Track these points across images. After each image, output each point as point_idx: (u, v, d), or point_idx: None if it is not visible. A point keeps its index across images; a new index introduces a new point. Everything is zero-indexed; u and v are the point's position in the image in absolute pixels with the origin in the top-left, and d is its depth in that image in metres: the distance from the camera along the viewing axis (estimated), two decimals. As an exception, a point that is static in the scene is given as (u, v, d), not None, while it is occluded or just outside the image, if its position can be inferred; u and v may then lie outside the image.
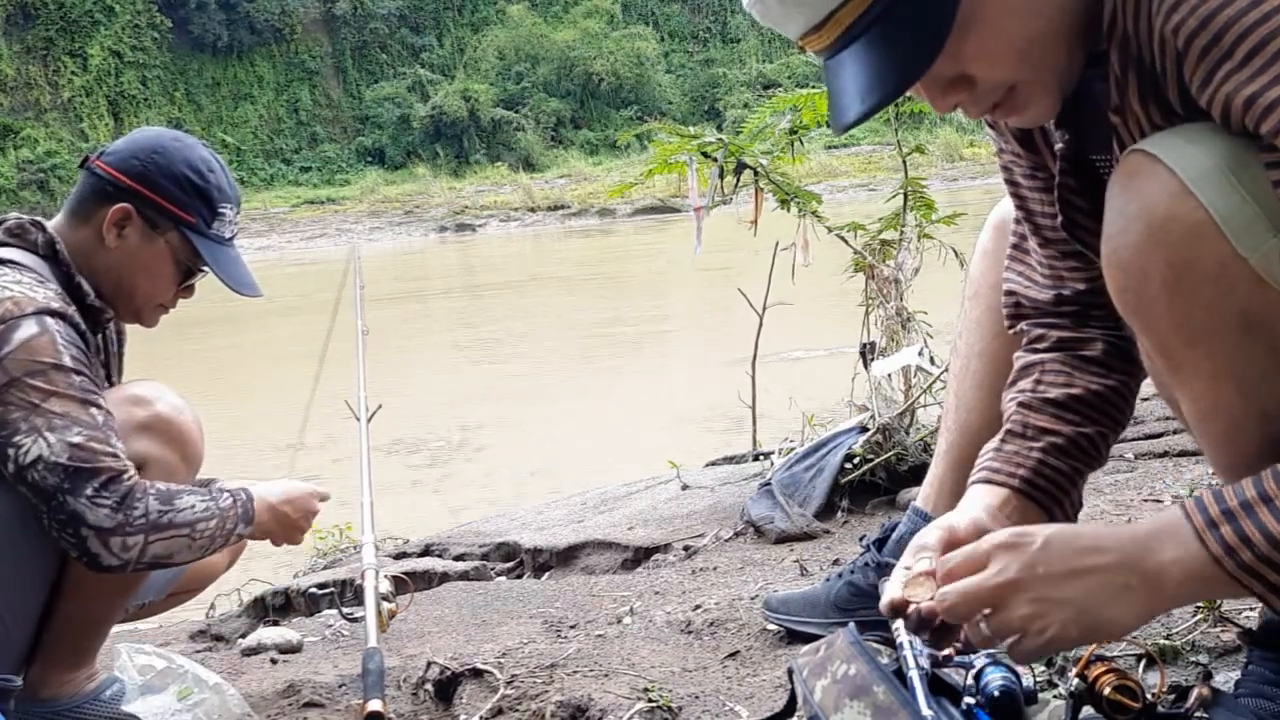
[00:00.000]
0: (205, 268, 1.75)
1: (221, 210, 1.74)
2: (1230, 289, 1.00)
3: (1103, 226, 1.08)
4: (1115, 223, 1.06)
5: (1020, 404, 1.32)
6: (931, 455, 1.73)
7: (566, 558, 2.76)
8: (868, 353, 2.83)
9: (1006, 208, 1.56)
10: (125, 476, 1.51)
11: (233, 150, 29.24)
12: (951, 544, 1.18)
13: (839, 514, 2.58)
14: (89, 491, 1.47)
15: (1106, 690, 1.21)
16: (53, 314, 1.53)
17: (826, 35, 1.05)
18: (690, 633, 1.96)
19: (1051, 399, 1.30)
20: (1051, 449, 1.28)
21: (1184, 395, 1.10)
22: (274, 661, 2.09)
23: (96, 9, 29.37)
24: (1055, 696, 1.34)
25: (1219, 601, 1.58)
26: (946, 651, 1.30)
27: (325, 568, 3.18)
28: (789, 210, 2.92)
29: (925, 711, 1.20)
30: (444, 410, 7.41)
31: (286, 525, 1.76)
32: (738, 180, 2.87)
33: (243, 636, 2.40)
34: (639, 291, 12.96)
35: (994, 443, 1.33)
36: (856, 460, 2.61)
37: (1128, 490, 2.36)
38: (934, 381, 2.63)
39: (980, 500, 1.28)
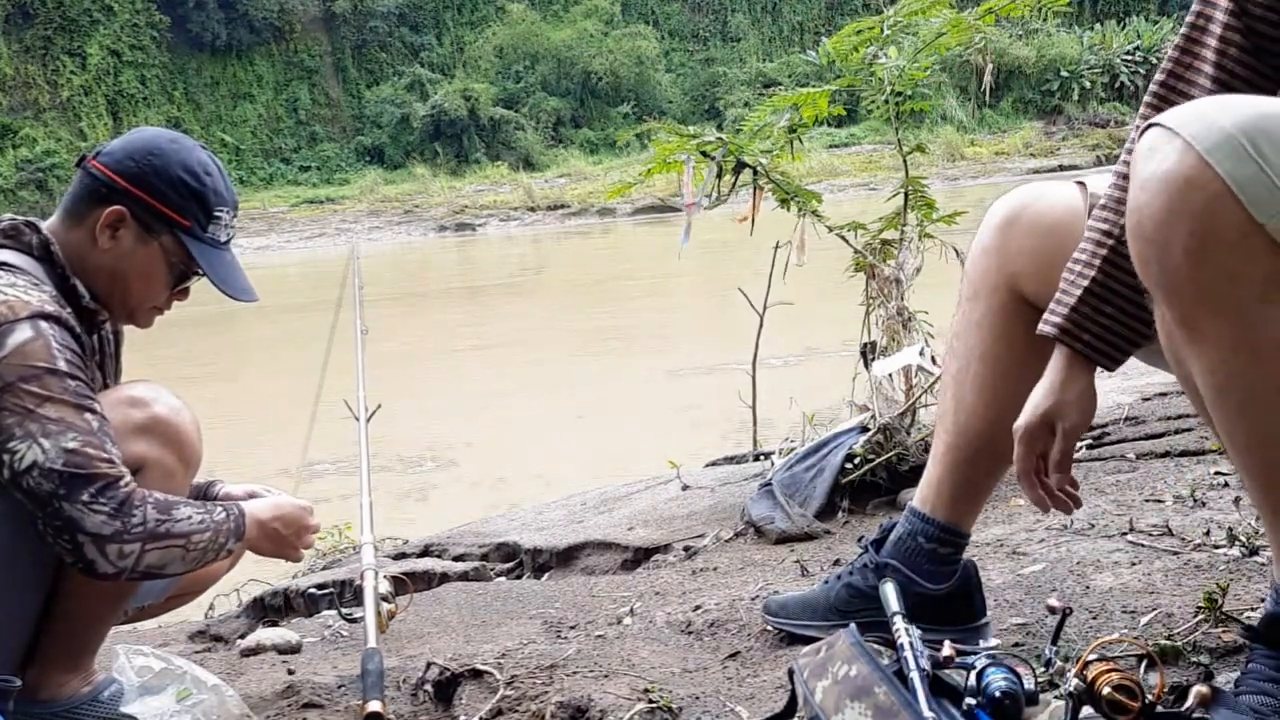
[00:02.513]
0: (199, 271, 1.74)
1: (217, 214, 1.72)
2: (1251, 257, 1.02)
3: (1126, 202, 1.10)
4: (1138, 196, 1.08)
5: None
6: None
7: (566, 558, 2.76)
8: (868, 353, 2.83)
9: (1009, 204, 1.55)
10: (122, 483, 1.50)
11: (232, 149, 29.18)
12: None
13: (839, 514, 2.58)
14: (85, 497, 1.46)
15: (1105, 690, 1.20)
16: (47, 318, 1.52)
17: None
18: (690, 633, 1.96)
19: None
20: None
21: (1201, 369, 1.11)
22: (292, 670, 2.07)
23: (95, 8, 29.31)
24: (1056, 697, 1.33)
25: (1220, 601, 1.57)
26: (947, 653, 1.30)
27: (324, 568, 3.18)
28: (789, 209, 2.91)
29: (926, 713, 1.20)
30: (443, 410, 7.41)
31: (277, 542, 1.75)
32: (736, 179, 2.86)
33: (242, 637, 2.40)
34: (639, 291, 12.95)
35: None
36: (857, 460, 2.61)
37: (1129, 490, 2.36)
38: (935, 381, 2.63)
39: None
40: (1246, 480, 1.17)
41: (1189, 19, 1.30)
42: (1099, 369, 1.33)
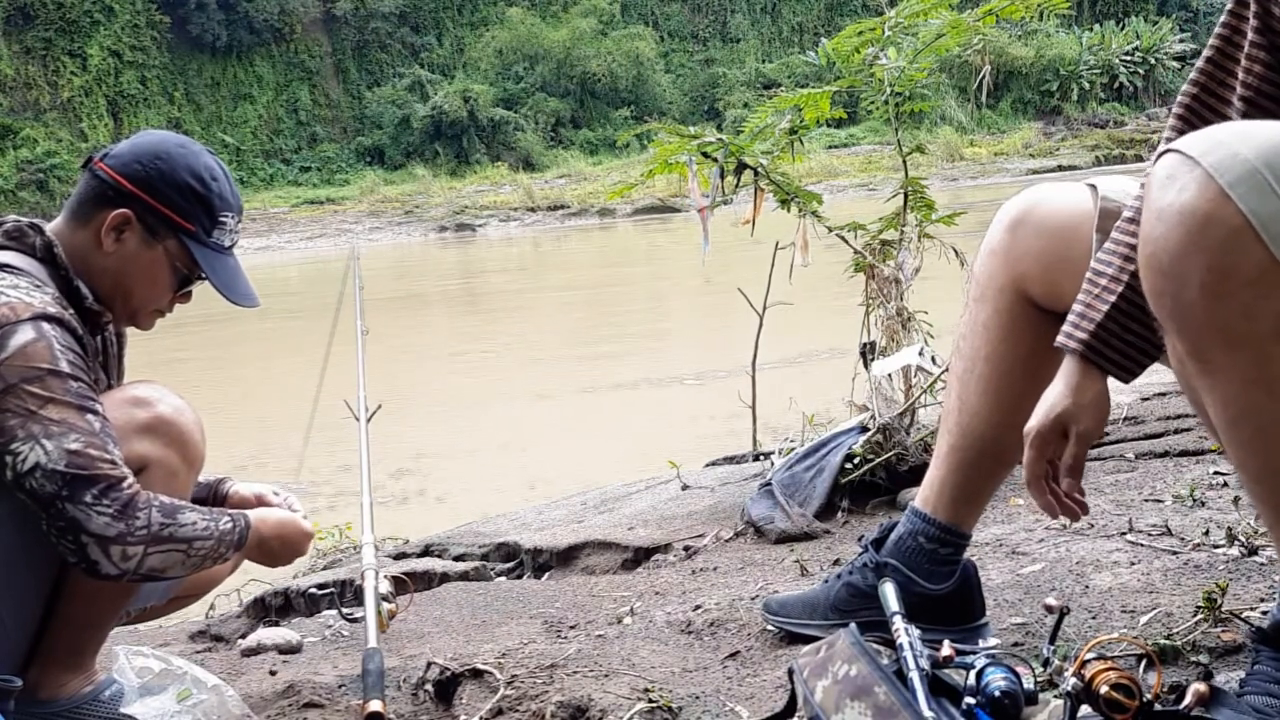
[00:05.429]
0: (202, 276, 1.74)
1: (222, 219, 1.73)
2: (1268, 294, 1.00)
3: (1139, 229, 1.07)
4: (1154, 226, 1.05)
5: None
6: (932, 455, 1.72)
7: (566, 558, 2.76)
8: (868, 353, 2.83)
9: (1017, 206, 1.55)
10: (124, 484, 1.51)
11: (232, 150, 29.18)
12: None
13: (839, 514, 2.58)
14: (88, 499, 1.47)
15: (1104, 689, 1.20)
16: (50, 319, 1.52)
17: None
18: (690, 633, 1.96)
19: None
20: None
21: (1214, 400, 1.09)
22: (274, 671, 2.08)
23: (96, 9, 29.30)
24: (1055, 696, 1.34)
25: (1219, 600, 1.58)
26: (947, 652, 1.30)
27: (325, 568, 3.18)
28: (789, 210, 2.92)
29: (926, 712, 1.20)
30: (443, 410, 7.41)
31: (268, 556, 1.76)
32: (738, 180, 2.87)
33: (242, 637, 2.40)
34: (639, 291, 12.96)
35: None
36: (857, 460, 2.61)
37: (1129, 490, 2.36)
38: (934, 381, 2.63)
39: None
40: (1256, 505, 1.16)
41: (1216, 34, 1.28)
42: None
